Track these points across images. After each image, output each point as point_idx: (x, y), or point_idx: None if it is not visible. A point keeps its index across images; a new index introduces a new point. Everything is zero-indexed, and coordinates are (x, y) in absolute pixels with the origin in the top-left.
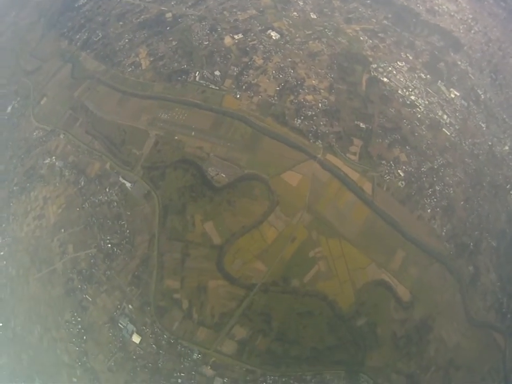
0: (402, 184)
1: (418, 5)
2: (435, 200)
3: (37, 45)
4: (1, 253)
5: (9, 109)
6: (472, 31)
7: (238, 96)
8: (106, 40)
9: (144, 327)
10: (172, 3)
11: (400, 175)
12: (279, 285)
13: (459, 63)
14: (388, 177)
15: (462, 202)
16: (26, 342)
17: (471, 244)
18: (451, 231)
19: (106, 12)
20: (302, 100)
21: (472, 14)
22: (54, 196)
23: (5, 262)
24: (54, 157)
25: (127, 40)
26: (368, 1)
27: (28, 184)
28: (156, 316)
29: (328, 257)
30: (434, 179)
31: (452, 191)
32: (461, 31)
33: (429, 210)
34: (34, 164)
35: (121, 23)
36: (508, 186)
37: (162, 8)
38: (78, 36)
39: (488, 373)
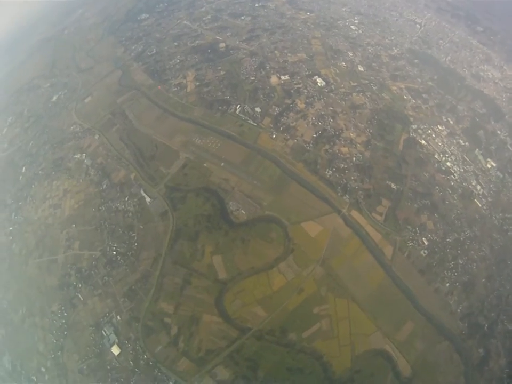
0: (424, 253)
1: (464, 69)
2: (456, 274)
3: (95, 45)
4: (10, 228)
5: (54, 98)
6: None
7: (274, 136)
8: (159, 56)
9: (126, 342)
10: (228, 34)
11: (424, 243)
12: (275, 335)
13: (499, 132)
14: (411, 244)
15: (483, 280)
16: (8, 318)
17: (486, 325)
18: (467, 309)
19: (165, 31)
20: (337, 151)
21: None
22: (74, 190)
23: (11, 238)
24: (84, 154)
25: (178, 61)
26: (416, 61)
27: (53, 173)
28: (141, 334)
29: (332, 316)
30: (459, 252)
31: (474, 267)
32: (504, 99)
33: (447, 284)
34: (64, 155)
35: (176, 43)
36: None
37: (217, 37)
38: (134, 47)
39: None
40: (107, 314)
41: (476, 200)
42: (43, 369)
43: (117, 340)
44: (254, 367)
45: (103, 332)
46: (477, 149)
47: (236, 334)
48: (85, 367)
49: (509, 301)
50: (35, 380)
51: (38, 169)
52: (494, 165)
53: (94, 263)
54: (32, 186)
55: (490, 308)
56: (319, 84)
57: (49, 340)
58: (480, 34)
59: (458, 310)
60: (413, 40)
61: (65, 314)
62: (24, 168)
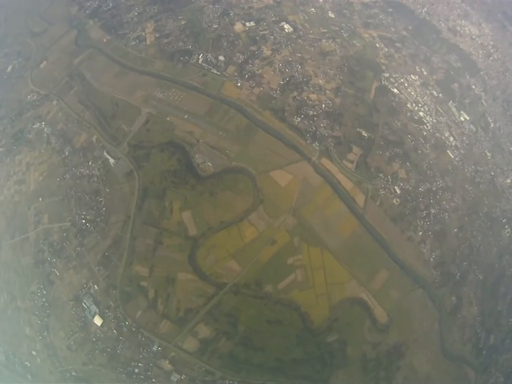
0: (397, 201)
1: (440, 22)
2: (428, 223)
3: (48, 7)
4: None
5: (9, 68)
6: (491, 58)
7: (239, 84)
8: (115, 10)
9: (107, 310)
10: None
11: (396, 191)
12: (251, 288)
13: (473, 87)
14: (383, 192)
15: (455, 230)
16: None
17: (458, 274)
18: (439, 258)
19: None
20: (305, 98)
21: (493, 41)
22: (37, 162)
23: None
24: (43, 123)
25: (136, 13)
26: (390, 10)
27: (15, 147)
28: (120, 301)
29: (307, 266)
30: (431, 201)
31: (447, 216)
32: (480, 55)
33: (420, 233)
34: (23, 127)
35: None
36: (503, 221)
37: None
38: (89, 3)
39: None
40: (84, 285)
41: (448, 151)
42: (34, 353)
43: (97, 310)
44: (233, 322)
45: (83, 304)
46: (451, 101)
47: (212, 291)
48: (72, 343)
49: (480, 252)
50: (28, 365)
51: None
52: (468, 118)
53: (64, 234)
54: None
55: (462, 257)
56: (287, 30)
57: (34, 321)
58: None
59: (431, 259)
60: None
61: (44, 292)
62: None
